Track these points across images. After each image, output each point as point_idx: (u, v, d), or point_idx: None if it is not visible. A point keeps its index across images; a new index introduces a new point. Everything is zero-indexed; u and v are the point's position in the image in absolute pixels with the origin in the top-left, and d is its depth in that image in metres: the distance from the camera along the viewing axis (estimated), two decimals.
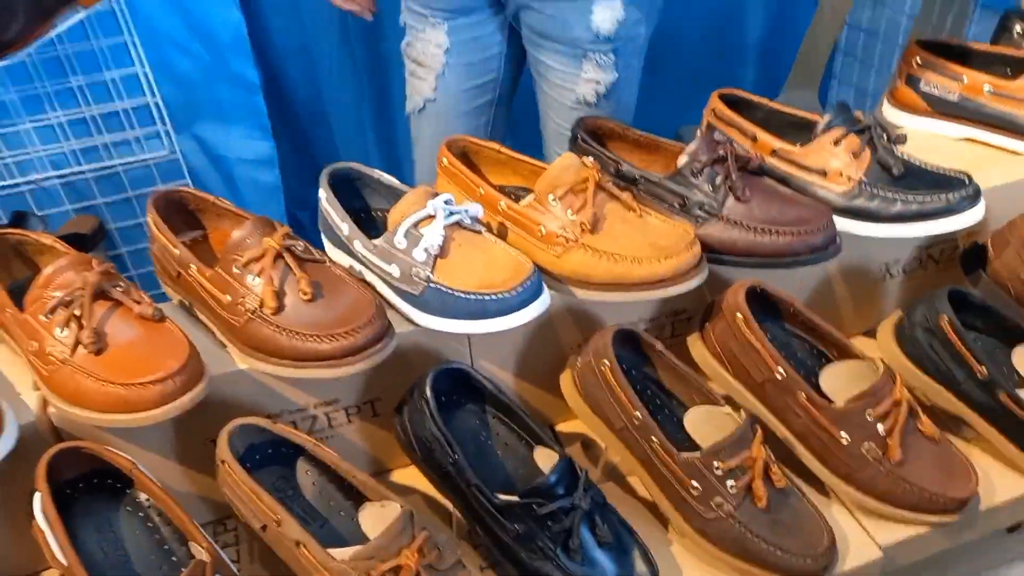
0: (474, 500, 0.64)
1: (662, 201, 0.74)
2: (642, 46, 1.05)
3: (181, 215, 0.74)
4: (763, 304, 0.74)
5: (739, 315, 0.70)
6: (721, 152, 0.72)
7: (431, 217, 0.67)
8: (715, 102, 0.83)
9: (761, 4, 1.60)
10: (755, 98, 0.84)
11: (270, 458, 0.66)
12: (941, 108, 0.89)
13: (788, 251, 0.71)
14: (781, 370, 0.68)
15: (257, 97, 1.39)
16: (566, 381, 0.72)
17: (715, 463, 0.64)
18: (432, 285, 0.66)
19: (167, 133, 1.36)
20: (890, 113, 0.94)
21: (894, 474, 0.67)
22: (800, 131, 0.80)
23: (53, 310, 0.61)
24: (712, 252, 0.72)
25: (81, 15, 1.16)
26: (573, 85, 1.02)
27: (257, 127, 1.41)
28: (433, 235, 0.66)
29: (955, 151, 0.86)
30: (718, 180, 0.72)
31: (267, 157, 1.40)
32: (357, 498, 0.66)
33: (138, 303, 0.63)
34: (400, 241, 0.67)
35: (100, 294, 0.62)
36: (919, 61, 0.89)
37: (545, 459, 0.68)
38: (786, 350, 0.74)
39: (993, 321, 0.77)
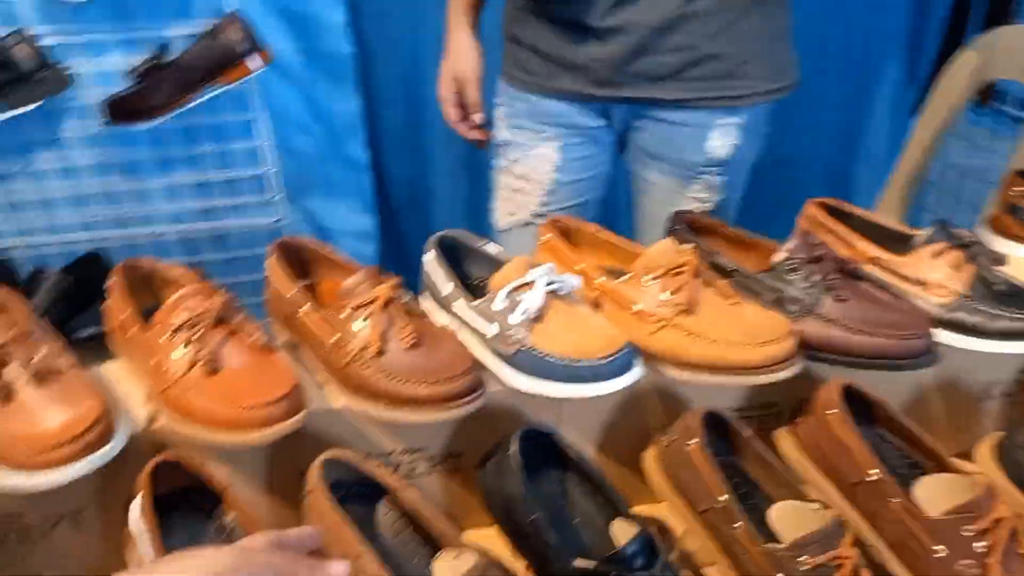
0: (551, 562, 0.63)
1: (756, 295, 0.75)
2: (749, 167, 1.09)
3: (296, 263, 0.79)
4: (857, 406, 0.73)
5: (833, 412, 0.69)
6: (818, 252, 0.74)
7: (531, 284, 0.70)
8: (812, 209, 0.85)
9: (845, 131, 1.63)
10: (852, 208, 0.86)
11: (354, 496, 0.67)
12: None
13: (884, 353, 0.70)
14: (875, 472, 0.67)
15: (365, 176, 1.48)
16: (649, 459, 0.72)
17: (801, 557, 0.62)
18: (525, 348, 0.68)
19: (280, 201, 1.45)
20: (988, 240, 0.94)
21: None
22: (897, 243, 0.81)
23: (176, 330, 0.65)
24: (805, 348, 0.72)
25: (218, 91, 1.28)
26: (677, 202, 1.04)
27: (361, 203, 1.50)
28: (532, 300, 0.69)
29: None
30: (815, 278, 0.73)
31: (368, 231, 1.47)
32: (433, 546, 0.66)
33: (251, 334, 0.67)
34: (499, 304, 0.70)
35: (220, 321, 0.67)
36: (1019, 190, 0.90)
37: (622, 533, 0.67)
38: (878, 456, 0.72)
39: None
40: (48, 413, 0.60)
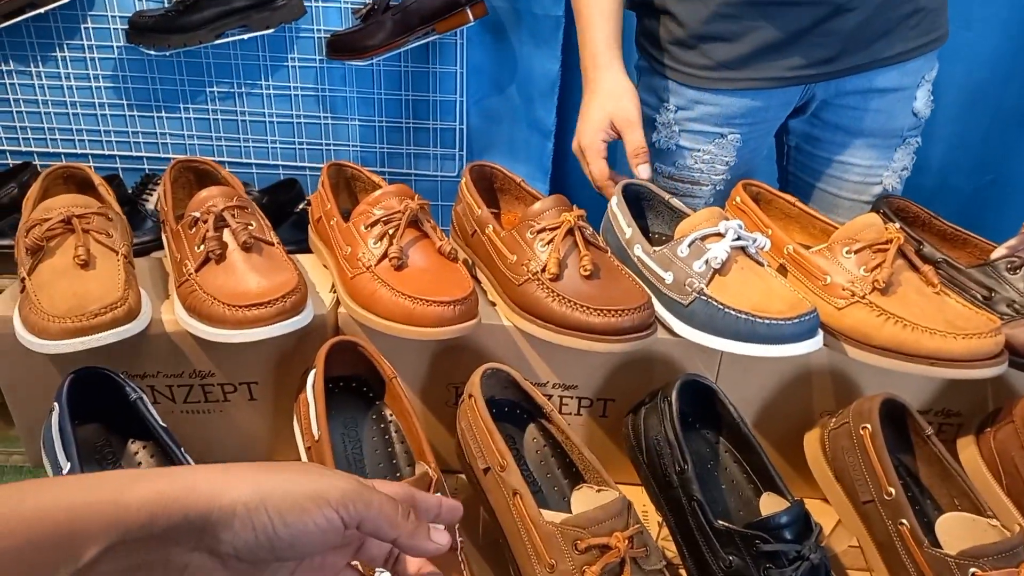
0: (692, 517, 0.61)
1: (965, 291, 0.70)
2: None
3: (486, 188, 0.81)
4: None
5: None
6: None
7: (720, 235, 0.68)
8: None
9: None
10: None
11: (506, 414, 0.69)
12: None
13: None
14: None
15: (549, 143, 1.50)
16: (812, 440, 0.68)
17: (972, 569, 0.57)
18: (703, 297, 0.66)
19: (461, 158, 1.50)
20: None
21: None
22: None
23: (373, 224, 0.69)
24: (1013, 355, 0.66)
25: (432, 38, 1.34)
26: (879, 178, 0.98)
27: (540, 169, 1.52)
28: (718, 251, 0.67)
29: None
30: None
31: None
32: (575, 477, 0.66)
33: (441, 240, 0.70)
34: (683, 250, 0.69)
35: (413, 223, 0.70)
36: None
37: (772, 506, 0.64)
38: None
39: None
40: (252, 276, 0.66)
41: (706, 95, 0.96)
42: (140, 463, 0.66)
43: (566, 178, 1.67)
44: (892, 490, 0.61)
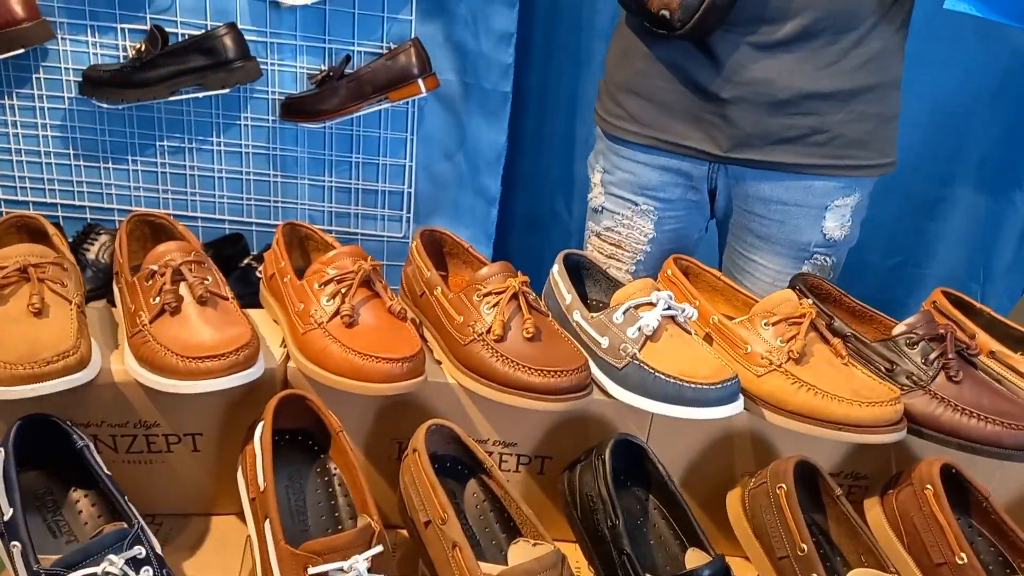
0: (621, 570, 0.65)
1: (869, 363, 0.76)
2: (846, 253, 1.08)
3: (435, 252, 0.85)
4: (954, 490, 0.72)
5: (930, 488, 0.69)
6: (941, 331, 0.75)
7: (652, 305, 0.74)
8: (937, 296, 0.86)
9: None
10: (978, 304, 0.86)
11: (448, 468, 0.72)
12: None
13: (994, 441, 0.70)
14: (964, 555, 0.66)
15: (494, 209, 1.56)
16: (733, 498, 0.73)
17: None
18: (636, 362, 0.71)
19: (408, 219, 1.55)
20: None
21: None
22: (1017, 343, 0.81)
23: (327, 283, 0.72)
24: (910, 423, 0.72)
25: (384, 106, 1.40)
26: (784, 283, 0.99)
27: (484, 234, 1.57)
28: (650, 319, 0.72)
29: None
30: (932, 356, 0.74)
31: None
32: (512, 532, 0.69)
33: (389, 300, 0.74)
34: (618, 317, 0.74)
35: (365, 283, 0.73)
36: None
37: (696, 561, 0.68)
38: (973, 550, 0.71)
39: None
40: (206, 329, 0.68)
41: (623, 157, 1.05)
42: (81, 511, 0.66)
43: (508, 245, 1.73)
44: (805, 547, 0.65)
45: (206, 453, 0.75)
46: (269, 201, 1.51)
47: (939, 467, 0.70)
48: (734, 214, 1.06)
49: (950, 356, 0.73)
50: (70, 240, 1.33)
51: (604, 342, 0.74)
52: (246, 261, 1.40)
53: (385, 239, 1.56)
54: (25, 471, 0.65)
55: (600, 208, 1.09)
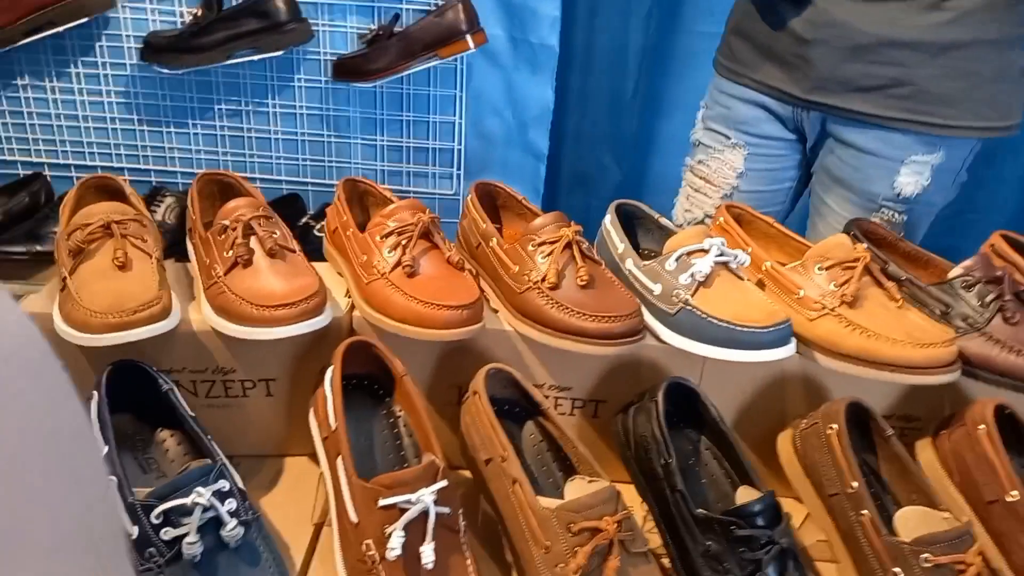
0: (674, 507, 0.67)
1: (924, 306, 0.77)
2: (932, 213, 1.06)
3: (489, 205, 0.88)
4: (1008, 431, 0.72)
5: (983, 427, 0.69)
6: (998, 273, 0.74)
7: (704, 252, 0.75)
8: (996, 239, 0.85)
9: None
10: None
11: (506, 411, 0.75)
12: None
13: None
14: (1016, 493, 0.67)
15: (542, 165, 1.57)
16: (784, 439, 0.75)
17: (925, 555, 0.63)
18: (688, 307, 0.73)
19: (459, 177, 1.57)
20: None
21: None
22: None
23: (388, 235, 0.75)
24: (965, 366, 0.73)
25: (433, 63, 1.41)
26: None
27: (532, 191, 1.59)
28: (703, 265, 0.74)
29: None
30: (988, 298, 0.74)
31: None
32: (568, 470, 0.72)
33: (450, 251, 0.76)
34: (671, 264, 0.75)
35: (425, 235, 0.76)
36: None
37: (747, 498, 0.70)
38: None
39: None
40: (277, 280, 0.72)
41: (721, 92, 1.10)
42: (167, 450, 0.72)
43: (557, 200, 1.74)
44: (855, 484, 0.67)
45: (279, 397, 0.79)
46: (323, 161, 1.55)
47: (993, 407, 0.70)
48: (820, 154, 1.07)
49: (1007, 298, 0.73)
50: None
51: (656, 289, 0.76)
52: (304, 220, 1.45)
53: (437, 196, 1.59)
54: (116, 414, 0.70)
55: (697, 142, 1.15)
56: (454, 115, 1.52)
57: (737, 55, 1.07)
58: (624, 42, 1.58)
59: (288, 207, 1.45)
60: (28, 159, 1.52)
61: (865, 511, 0.66)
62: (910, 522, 0.69)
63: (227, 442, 0.76)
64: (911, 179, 0.99)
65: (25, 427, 0.28)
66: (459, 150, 1.55)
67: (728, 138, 1.09)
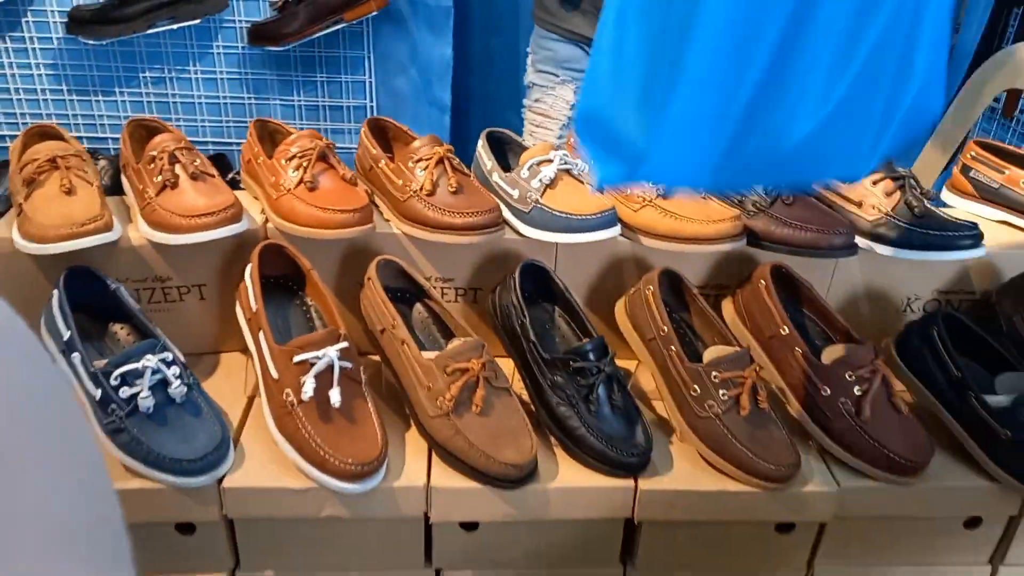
0: (529, 354, 0.86)
1: (726, 198, 0.97)
2: None
3: (381, 137, 1.05)
4: (787, 287, 0.93)
5: (763, 281, 0.90)
6: None
7: (550, 161, 0.94)
8: None
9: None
10: None
11: (398, 297, 0.93)
12: (985, 194, 1.06)
13: (812, 244, 0.91)
14: (785, 328, 0.88)
15: (446, 116, 1.74)
16: (619, 305, 0.95)
17: (713, 372, 0.83)
18: (539, 205, 0.92)
19: None
20: (946, 196, 1.12)
21: (862, 429, 0.83)
22: None
23: (291, 158, 0.92)
24: (754, 238, 0.93)
25: (341, 26, 1.56)
26: None
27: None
28: (549, 172, 0.92)
29: (991, 229, 1.03)
30: (770, 188, 0.94)
31: None
32: (448, 336, 0.90)
33: (342, 170, 0.93)
34: (524, 172, 0.94)
35: (322, 157, 0.93)
36: (974, 155, 1.08)
37: None
38: (798, 327, 0.92)
39: (982, 347, 0.92)
40: (199, 196, 0.88)
41: (543, 37, 1.31)
42: (119, 339, 0.88)
43: (468, 156, 1.92)
44: (665, 328, 0.87)
45: (210, 300, 0.95)
46: (246, 122, 1.68)
47: (771, 267, 0.91)
48: None
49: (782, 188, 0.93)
50: None
51: (515, 193, 0.94)
52: (230, 176, 1.59)
53: (353, 150, 1.74)
54: (74, 313, 0.85)
55: (531, 84, 1.35)
56: (364, 74, 1.67)
57: (549, 8, 1.29)
58: (517, 3, 1.75)
59: (216, 165, 1.58)
60: None
61: (673, 347, 0.86)
62: (714, 357, 0.90)
63: (170, 340, 0.92)
64: None
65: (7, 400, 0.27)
66: (371, 106, 1.71)
67: (557, 76, 1.31)
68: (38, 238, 0.82)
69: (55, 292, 0.82)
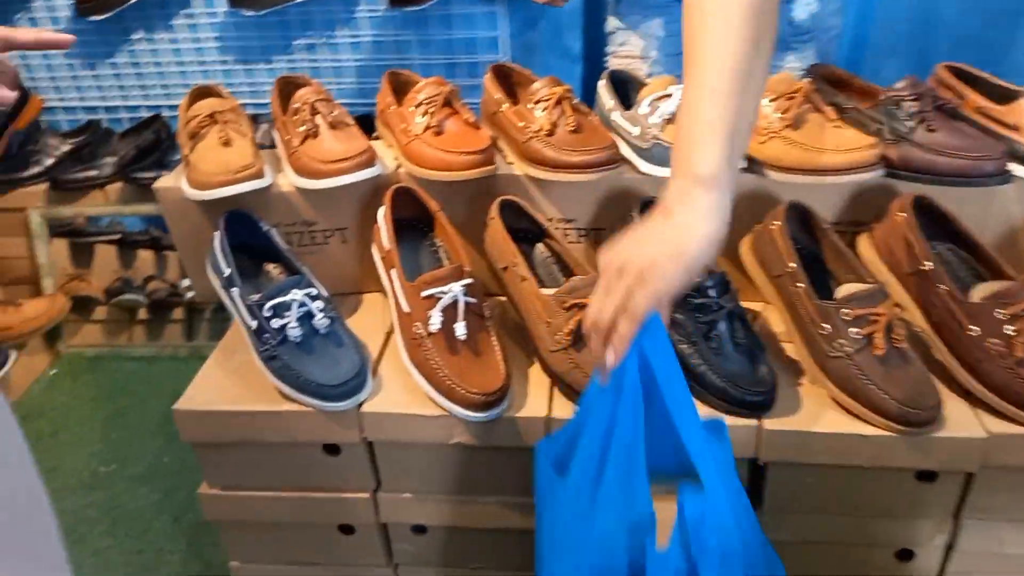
0: None
1: (864, 126, 0.91)
2: (836, 37, 1.19)
3: (506, 84, 1.07)
4: (931, 220, 0.87)
5: (903, 214, 0.85)
6: (920, 91, 0.88)
7: (669, 96, 0.92)
8: (939, 68, 0.98)
9: None
10: (980, 72, 0.97)
11: (521, 237, 0.95)
12: None
13: (960, 172, 0.84)
14: (928, 263, 0.82)
15: (578, 66, 1.74)
16: (745, 243, 0.92)
17: (845, 310, 0.80)
18: (657, 141, 0.91)
19: None
20: None
21: (1014, 371, 0.77)
22: (1004, 98, 0.92)
23: (418, 104, 0.96)
24: (893, 168, 0.88)
25: None
26: None
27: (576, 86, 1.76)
28: (667, 107, 0.91)
29: None
30: (912, 111, 0.88)
31: None
32: (569, 274, 0.92)
33: (467, 115, 0.97)
34: (644, 109, 0.93)
35: (446, 103, 0.97)
36: None
37: None
38: (943, 264, 0.86)
39: None
40: (337, 143, 0.94)
41: None
42: (273, 278, 0.97)
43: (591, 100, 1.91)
44: (792, 263, 0.84)
45: (351, 244, 1.03)
46: None
47: (912, 198, 0.85)
48: None
49: (928, 110, 0.87)
50: None
51: (635, 130, 0.94)
52: (374, 135, 1.68)
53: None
54: (233, 252, 0.95)
55: (613, 30, 1.33)
56: (496, 30, 1.70)
57: None
58: None
59: (361, 127, 1.68)
60: (147, 103, 1.81)
61: (801, 284, 0.83)
62: (846, 294, 0.86)
63: (316, 278, 1.00)
64: (802, 9, 1.10)
65: None
66: (505, 60, 1.73)
67: (640, 15, 1.27)
68: (201, 185, 0.92)
69: (216, 234, 0.92)
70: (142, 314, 1.85)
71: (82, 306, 1.82)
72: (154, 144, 1.73)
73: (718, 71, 0.59)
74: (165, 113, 1.78)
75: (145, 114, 1.79)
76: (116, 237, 1.84)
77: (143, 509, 1.40)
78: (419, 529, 0.98)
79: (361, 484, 0.94)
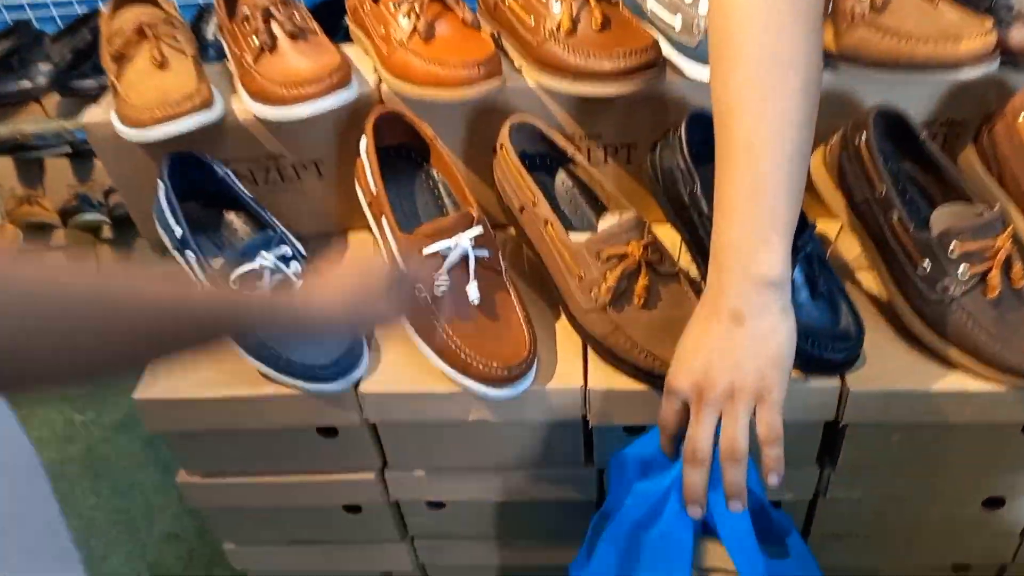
0: (702, 229, 0.70)
1: (970, 3, 0.72)
2: None
3: None
4: None
5: (1023, 116, 0.67)
6: None
7: None
8: None
9: None
10: None
11: (537, 164, 0.78)
12: None
13: None
14: None
15: None
16: (816, 157, 0.75)
17: (952, 244, 0.64)
18: (706, 37, 0.71)
19: None
20: None
21: None
22: None
23: (400, 3, 0.76)
24: (1011, 57, 0.69)
25: None
26: None
27: None
28: None
29: None
30: None
31: None
32: (600, 209, 0.75)
33: (462, 12, 0.76)
34: None
35: None
36: None
37: None
38: None
39: None
40: (302, 59, 0.74)
41: None
42: (236, 230, 0.79)
43: None
44: (883, 187, 0.67)
45: (329, 177, 0.85)
46: None
47: None
48: None
49: None
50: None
51: (677, 22, 0.74)
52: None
53: None
54: (184, 203, 0.77)
55: None
56: None
57: None
58: None
59: (326, 10, 1.44)
60: None
61: (894, 212, 0.67)
62: (946, 220, 0.70)
63: (293, 223, 0.82)
64: None
65: None
66: None
67: None
68: (134, 122, 0.73)
69: (159, 185, 0.74)
70: (106, 232, 1.67)
71: (37, 233, 1.64)
72: (92, 46, 1.49)
73: (776, 159, 0.53)
74: (103, 7, 1.53)
75: (79, 10, 1.54)
76: (66, 150, 1.64)
77: (126, 461, 1.29)
78: (436, 505, 0.87)
79: (365, 464, 0.82)
